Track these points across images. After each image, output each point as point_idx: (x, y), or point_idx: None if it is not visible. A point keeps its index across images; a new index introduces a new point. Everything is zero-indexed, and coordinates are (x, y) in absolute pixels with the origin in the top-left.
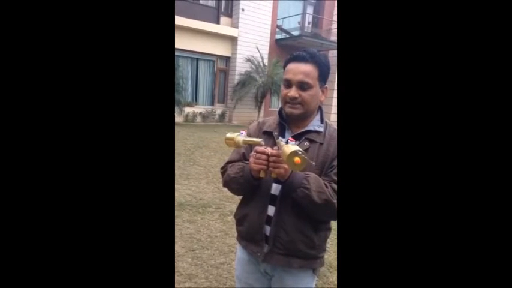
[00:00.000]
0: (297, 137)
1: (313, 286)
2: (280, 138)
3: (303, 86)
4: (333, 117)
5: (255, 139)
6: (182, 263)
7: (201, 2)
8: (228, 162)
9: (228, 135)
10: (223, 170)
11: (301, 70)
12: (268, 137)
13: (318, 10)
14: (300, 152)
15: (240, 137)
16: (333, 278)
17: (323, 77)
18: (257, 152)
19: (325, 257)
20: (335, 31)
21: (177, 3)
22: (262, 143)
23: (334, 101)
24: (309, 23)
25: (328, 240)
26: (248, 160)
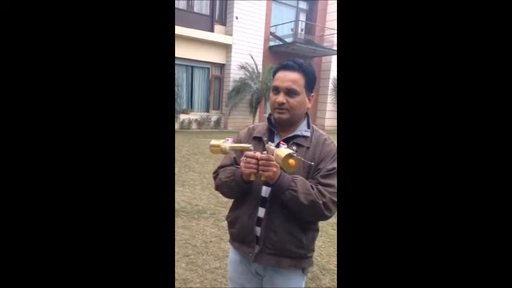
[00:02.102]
0: (285, 142)
1: (303, 285)
2: (269, 142)
3: (290, 92)
4: (327, 122)
5: (243, 144)
6: (177, 269)
7: (195, 10)
8: (220, 167)
9: (213, 142)
10: (216, 174)
11: (289, 78)
12: (258, 142)
13: (311, 17)
14: (294, 154)
15: (226, 143)
16: (326, 280)
17: (309, 86)
18: (247, 156)
19: (319, 260)
20: (328, 37)
21: None
22: (251, 148)
23: (329, 106)
24: (302, 29)
25: (321, 243)
26: (239, 165)
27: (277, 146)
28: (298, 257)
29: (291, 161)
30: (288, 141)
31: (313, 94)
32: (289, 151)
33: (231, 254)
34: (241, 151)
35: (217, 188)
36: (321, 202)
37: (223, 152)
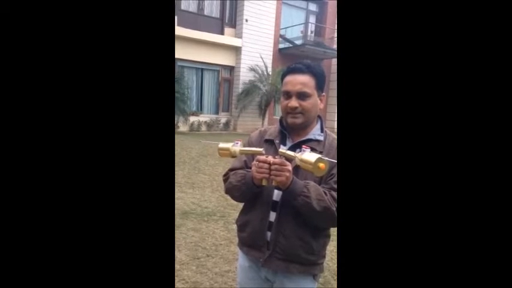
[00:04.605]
0: (298, 145)
1: None
2: (281, 146)
3: (302, 95)
4: (337, 124)
5: (254, 149)
6: (187, 271)
7: (205, 13)
8: (231, 170)
9: (221, 145)
10: (226, 177)
11: (299, 81)
12: (270, 145)
13: (321, 19)
14: (323, 158)
15: (236, 147)
16: None
17: (320, 86)
18: (259, 161)
19: (330, 264)
20: None
21: (182, 15)
22: (263, 152)
23: None
24: (311, 32)
25: (333, 248)
26: (250, 167)
27: (292, 149)
28: (309, 263)
29: (321, 164)
30: (300, 145)
31: (323, 94)
32: (318, 155)
33: (240, 259)
34: (252, 155)
35: (227, 191)
36: (334, 208)
37: (233, 155)
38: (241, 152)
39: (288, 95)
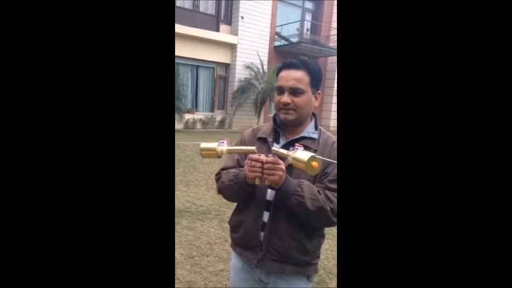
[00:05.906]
0: (292, 144)
1: None
2: (274, 144)
3: (295, 91)
4: (332, 123)
5: (244, 147)
6: (181, 270)
7: (201, 10)
8: (223, 169)
9: (204, 145)
10: (218, 176)
11: (293, 76)
12: (263, 143)
13: (317, 17)
14: (316, 157)
15: (222, 146)
16: (333, 284)
17: (315, 83)
18: (251, 159)
19: (325, 263)
20: (333, 37)
21: (177, 12)
22: (255, 150)
23: (334, 107)
24: (307, 29)
25: (327, 246)
26: (242, 166)
27: (285, 147)
28: (303, 264)
29: (314, 163)
30: (294, 143)
31: (319, 92)
32: (311, 154)
33: (233, 259)
34: (245, 153)
35: (219, 191)
36: (328, 208)
37: (219, 156)
38: (229, 152)
39: (281, 90)
